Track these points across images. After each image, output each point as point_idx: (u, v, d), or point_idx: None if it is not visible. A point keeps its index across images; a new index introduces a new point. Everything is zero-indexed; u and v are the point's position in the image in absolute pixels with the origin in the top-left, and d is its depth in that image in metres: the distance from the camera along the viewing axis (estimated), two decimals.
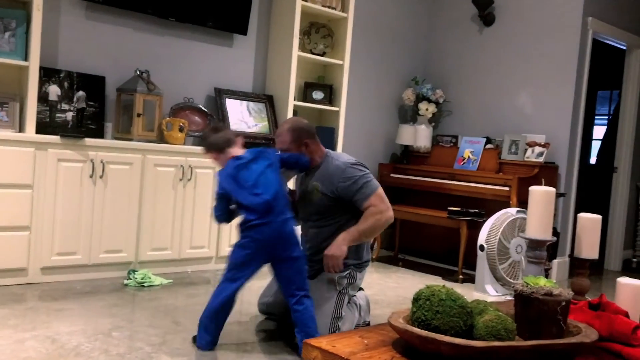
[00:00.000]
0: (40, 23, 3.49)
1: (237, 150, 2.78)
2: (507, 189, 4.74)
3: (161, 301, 3.37)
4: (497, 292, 4.28)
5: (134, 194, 3.80)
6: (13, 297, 3.19)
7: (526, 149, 5.01)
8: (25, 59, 3.50)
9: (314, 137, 2.99)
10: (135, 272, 3.72)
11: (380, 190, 2.92)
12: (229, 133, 2.86)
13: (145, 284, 3.64)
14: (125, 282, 3.66)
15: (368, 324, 3.07)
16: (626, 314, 1.73)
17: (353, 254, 2.96)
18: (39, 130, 3.55)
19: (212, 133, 2.85)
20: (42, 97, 3.66)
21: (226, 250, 4.13)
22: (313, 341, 1.53)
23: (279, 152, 2.91)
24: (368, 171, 2.95)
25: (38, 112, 3.59)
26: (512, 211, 4.40)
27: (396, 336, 1.58)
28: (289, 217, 2.68)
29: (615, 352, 1.62)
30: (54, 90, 3.71)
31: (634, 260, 6.03)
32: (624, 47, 5.81)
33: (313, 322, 2.65)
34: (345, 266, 2.90)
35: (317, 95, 5.02)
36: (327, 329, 2.80)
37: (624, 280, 1.89)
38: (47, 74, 3.72)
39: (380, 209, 2.88)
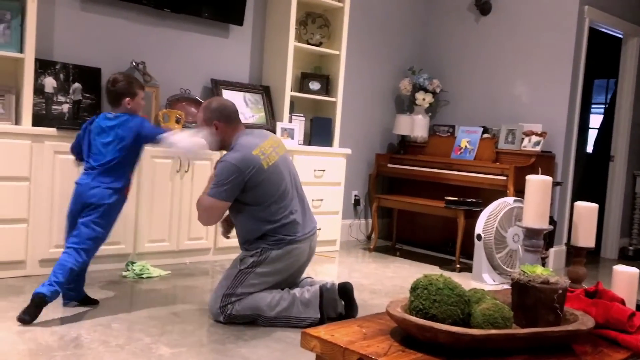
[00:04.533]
0: (35, 14, 3.47)
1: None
2: (504, 178, 4.75)
3: (160, 293, 3.37)
4: (494, 280, 4.30)
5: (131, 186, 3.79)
6: (12, 290, 3.20)
7: (523, 138, 5.01)
8: (21, 51, 3.48)
9: (226, 121, 2.98)
10: (134, 264, 3.72)
11: (214, 201, 2.86)
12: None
13: (143, 276, 3.65)
14: (124, 273, 3.66)
15: (321, 320, 2.86)
16: (622, 302, 1.75)
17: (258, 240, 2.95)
18: (35, 123, 3.54)
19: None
20: (38, 89, 3.65)
21: (224, 241, 4.14)
22: (312, 331, 1.54)
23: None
24: (230, 179, 2.83)
25: (34, 105, 3.58)
26: (509, 200, 4.42)
27: (394, 325, 1.59)
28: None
29: (612, 339, 1.63)
30: (49, 82, 3.70)
31: (630, 248, 6.05)
32: (621, 36, 5.80)
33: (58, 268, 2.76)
34: (251, 244, 2.94)
35: (314, 85, 5.01)
36: (216, 302, 2.90)
37: (620, 268, 1.90)
38: (43, 66, 3.71)
39: (199, 213, 2.94)
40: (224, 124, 2.98)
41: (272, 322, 2.89)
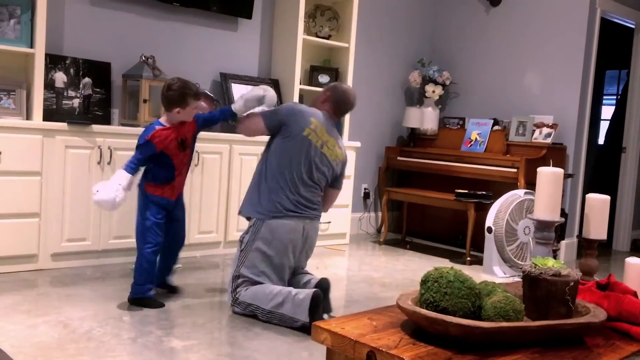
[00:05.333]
0: (45, 10, 3.49)
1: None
2: (515, 170, 4.72)
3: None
4: (505, 273, 4.28)
5: None
6: (24, 283, 3.23)
7: (534, 130, 4.98)
8: (31, 46, 3.50)
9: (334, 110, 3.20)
10: None
11: (258, 119, 3.11)
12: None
13: None
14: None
15: (303, 327, 2.76)
16: (634, 294, 1.73)
17: (254, 204, 3.02)
18: (46, 118, 3.56)
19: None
20: (49, 84, 3.67)
21: (235, 235, 4.15)
22: (322, 323, 1.54)
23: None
24: (279, 109, 3.11)
25: (45, 100, 3.60)
26: (519, 193, 4.39)
27: (404, 318, 1.59)
28: None
29: (624, 332, 1.62)
30: (60, 77, 3.72)
31: None
32: (633, 26, 5.74)
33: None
34: (249, 219, 3.05)
35: (323, 78, 5.00)
36: (229, 286, 3.01)
37: (632, 260, 1.89)
38: (53, 61, 3.73)
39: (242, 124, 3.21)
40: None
41: (269, 317, 2.86)
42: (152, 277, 3.04)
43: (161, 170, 3.02)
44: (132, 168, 2.91)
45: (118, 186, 2.82)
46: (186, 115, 3.00)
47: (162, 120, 3.01)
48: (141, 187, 3.05)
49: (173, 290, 3.26)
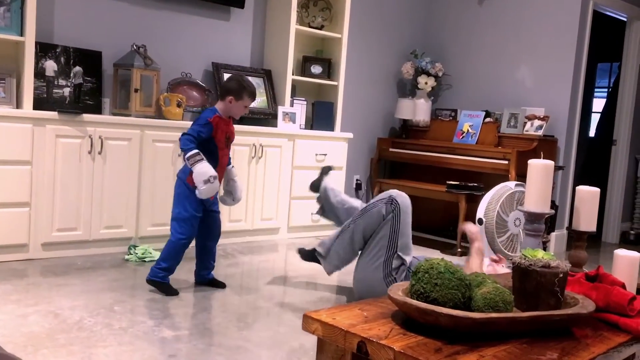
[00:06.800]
0: None
1: None
2: (506, 162, 4.74)
3: None
4: None
5: (133, 170, 3.80)
6: (14, 273, 3.21)
7: (525, 123, 5.00)
8: (21, 34, 3.46)
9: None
10: (136, 248, 3.74)
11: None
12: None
13: (146, 259, 3.66)
14: (126, 257, 3.68)
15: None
16: (623, 285, 1.75)
17: None
18: (36, 106, 3.53)
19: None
20: (39, 73, 3.64)
21: (227, 225, 4.15)
22: (313, 314, 1.54)
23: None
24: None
25: (35, 88, 3.57)
26: (510, 185, 4.41)
27: (395, 308, 1.59)
28: None
29: (612, 323, 1.64)
30: (50, 66, 3.69)
31: (632, 232, 6.06)
32: (625, 19, 5.76)
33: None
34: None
35: (316, 69, 4.99)
36: None
37: (621, 252, 1.90)
38: (43, 49, 3.69)
39: None
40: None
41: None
42: (175, 266, 3.10)
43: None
44: (191, 140, 2.92)
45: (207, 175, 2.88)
46: (237, 109, 3.09)
47: (219, 108, 3.08)
48: (183, 179, 3.06)
49: (219, 285, 3.27)
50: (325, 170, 3.58)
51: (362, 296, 2.89)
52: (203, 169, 2.87)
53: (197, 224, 3.09)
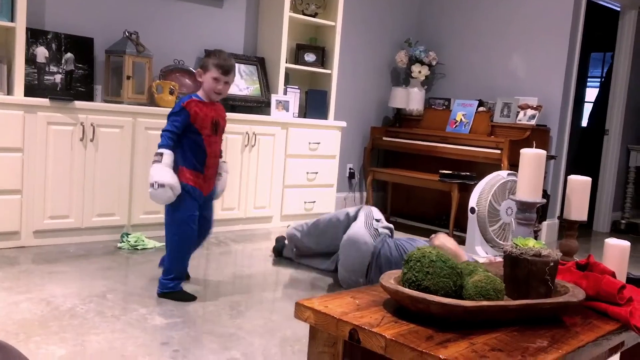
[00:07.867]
0: None
1: None
2: (499, 151, 4.75)
3: (155, 264, 3.37)
4: (487, 253, 4.33)
5: (125, 157, 3.79)
6: (6, 260, 3.20)
7: (518, 112, 5.00)
8: (12, 19, 3.43)
9: None
10: (129, 235, 3.73)
11: None
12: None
13: (138, 247, 3.66)
14: (119, 245, 3.67)
15: None
16: (613, 274, 1.76)
17: None
18: (27, 93, 3.50)
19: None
20: (30, 59, 3.60)
21: (220, 214, 4.14)
22: (306, 302, 1.55)
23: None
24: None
25: (26, 75, 3.54)
26: (503, 174, 4.43)
27: (387, 296, 1.60)
28: None
29: (602, 311, 1.65)
30: (41, 52, 3.65)
31: (623, 222, 6.10)
32: (618, 9, 5.76)
33: None
34: None
35: (309, 57, 4.97)
36: None
37: (611, 241, 1.91)
38: (34, 35, 3.66)
39: None
40: None
41: None
42: (182, 272, 2.91)
43: (192, 153, 2.81)
44: (169, 137, 2.73)
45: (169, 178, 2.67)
46: (207, 84, 2.82)
47: (199, 92, 2.87)
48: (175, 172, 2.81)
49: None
50: (278, 240, 3.85)
51: (346, 255, 3.16)
52: (152, 171, 2.67)
53: (196, 222, 2.85)
